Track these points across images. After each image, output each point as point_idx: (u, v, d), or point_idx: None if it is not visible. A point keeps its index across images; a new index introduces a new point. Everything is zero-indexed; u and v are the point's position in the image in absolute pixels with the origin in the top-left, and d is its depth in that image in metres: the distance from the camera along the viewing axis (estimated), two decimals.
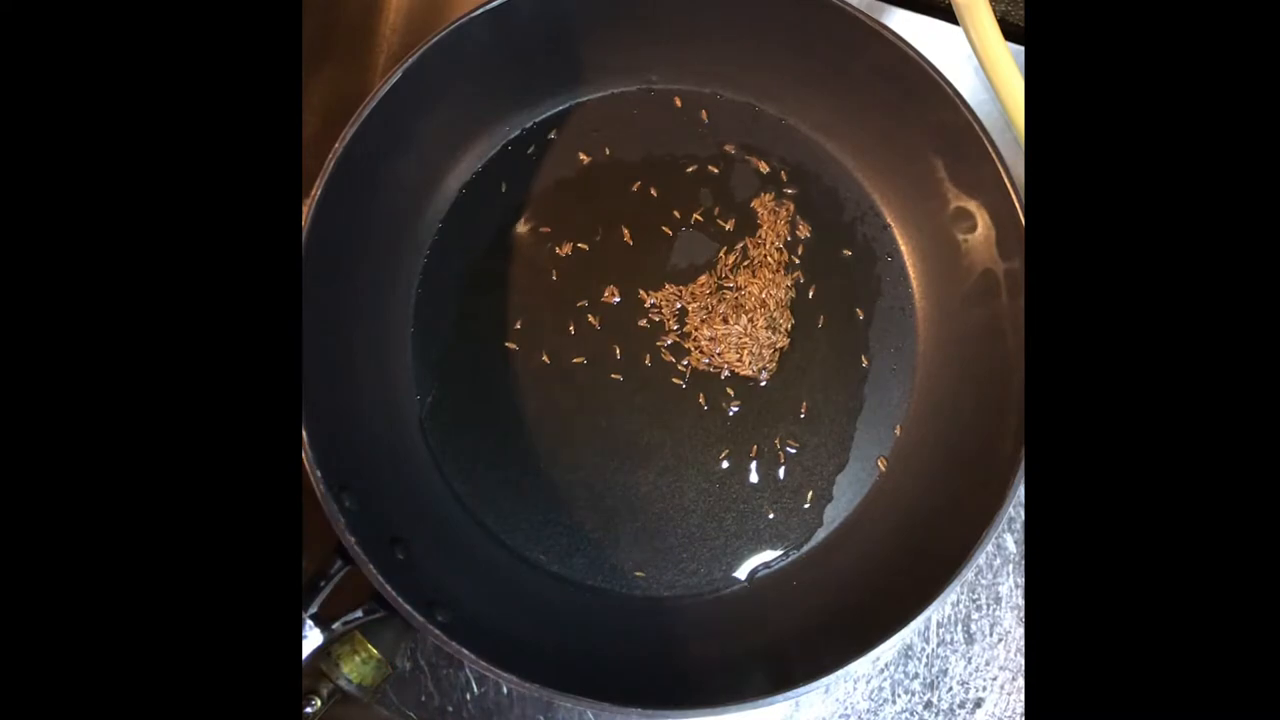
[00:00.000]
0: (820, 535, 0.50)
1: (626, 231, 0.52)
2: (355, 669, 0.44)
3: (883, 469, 0.50)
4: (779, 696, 0.41)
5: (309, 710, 0.43)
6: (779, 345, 0.51)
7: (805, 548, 0.50)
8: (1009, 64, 0.44)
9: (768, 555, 0.50)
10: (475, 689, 0.50)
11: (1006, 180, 0.44)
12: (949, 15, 0.48)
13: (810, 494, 0.50)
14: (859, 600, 0.47)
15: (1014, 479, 0.42)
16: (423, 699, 0.50)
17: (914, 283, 0.52)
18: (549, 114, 0.53)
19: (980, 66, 0.45)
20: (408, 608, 0.40)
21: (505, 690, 0.50)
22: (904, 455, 0.50)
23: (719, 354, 0.51)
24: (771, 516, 0.50)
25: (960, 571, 0.41)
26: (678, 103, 0.53)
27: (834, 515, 0.50)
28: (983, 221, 0.48)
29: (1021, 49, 0.49)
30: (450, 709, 0.50)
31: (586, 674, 0.42)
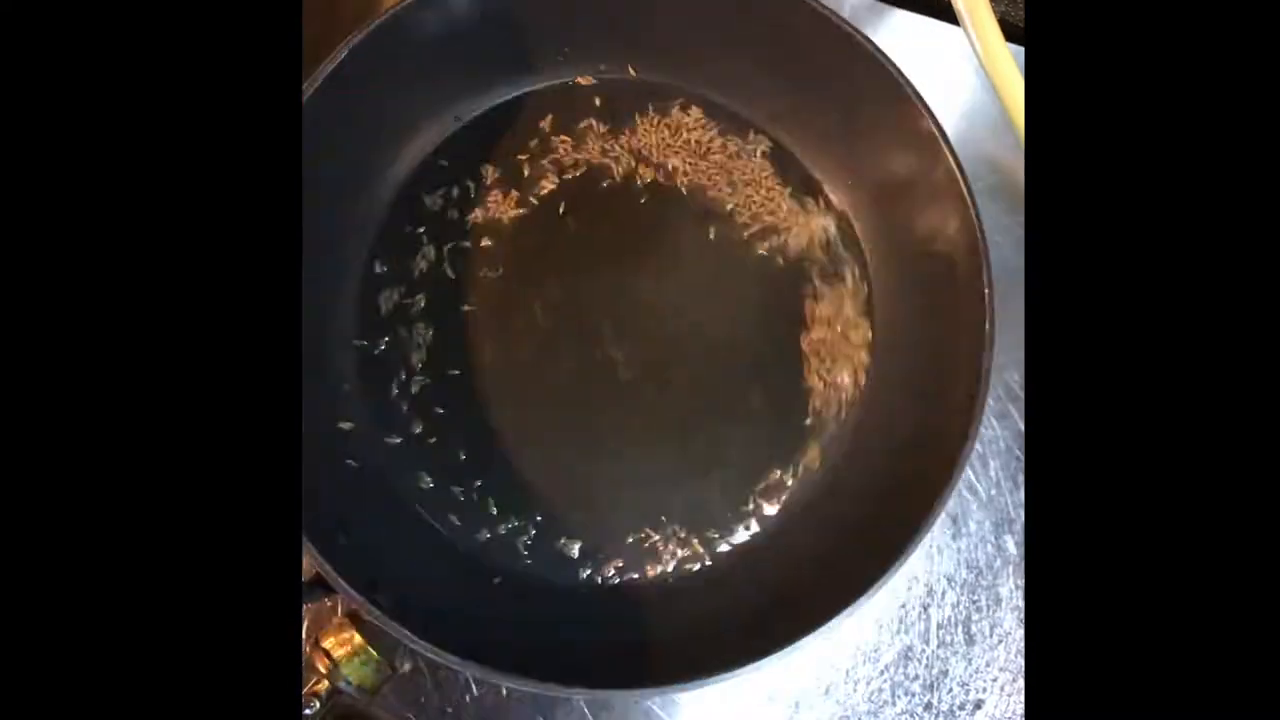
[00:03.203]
0: (785, 507, 0.50)
1: (575, 222, 0.52)
2: (355, 670, 0.44)
3: (843, 445, 0.50)
4: (769, 658, 0.41)
5: (309, 711, 0.43)
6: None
7: (771, 521, 0.50)
8: (1009, 64, 0.44)
9: (733, 532, 0.50)
10: (475, 690, 0.50)
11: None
12: (949, 15, 0.48)
13: (773, 470, 0.50)
14: (835, 562, 0.47)
15: (964, 451, 0.42)
16: (422, 700, 0.50)
17: (864, 246, 0.52)
18: (499, 101, 0.53)
19: (980, 66, 0.45)
20: (347, 587, 0.40)
21: (504, 692, 0.50)
22: (866, 428, 0.51)
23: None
24: (733, 494, 0.50)
25: (927, 522, 0.42)
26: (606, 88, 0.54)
27: (796, 488, 0.50)
28: (920, 173, 0.47)
29: (1021, 49, 0.49)
30: (449, 710, 0.50)
31: (557, 661, 0.42)
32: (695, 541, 0.50)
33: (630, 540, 0.50)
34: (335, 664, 0.44)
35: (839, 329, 0.52)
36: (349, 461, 0.49)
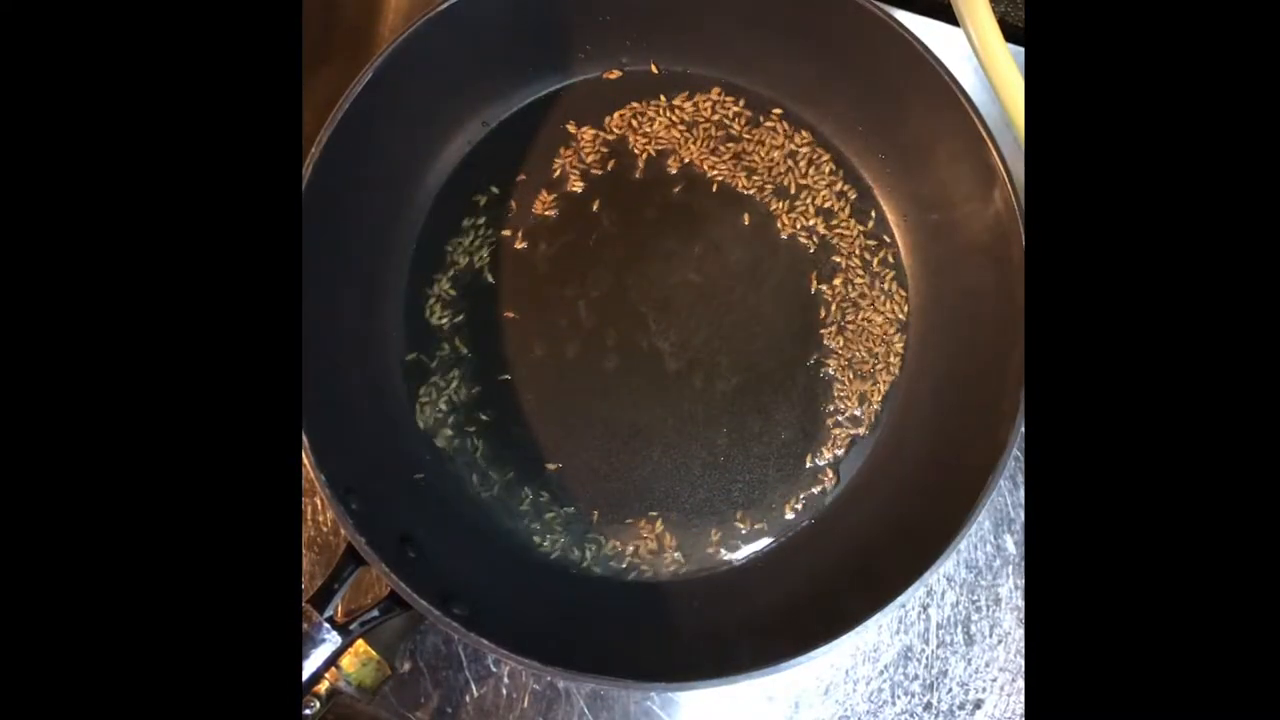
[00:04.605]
0: (829, 500, 0.50)
1: (609, 218, 0.53)
2: (354, 670, 0.44)
3: (881, 435, 0.51)
4: (810, 654, 0.41)
5: (309, 711, 0.43)
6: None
7: (815, 515, 0.50)
8: (1009, 64, 0.44)
9: (778, 524, 0.50)
10: (475, 690, 0.50)
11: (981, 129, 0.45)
12: (949, 15, 0.48)
13: (812, 462, 0.51)
14: (873, 557, 0.47)
15: (1011, 438, 0.42)
16: (422, 700, 0.50)
17: (894, 223, 0.53)
18: (525, 104, 0.53)
19: (980, 66, 0.45)
20: (424, 603, 0.40)
21: (504, 691, 0.50)
22: (903, 417, 0.51)
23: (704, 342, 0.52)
24: (779, 486, 0.51)
25: (966, 524, 0.42)
26: (655, 78, 0.54)
27: (841, 481, 0.51)
28: (969, 176, 0.48)
29: (1021, 49, 0.49)
30: (449, 710, 0.50)
31: (602, 656, 0.43)
32: (757, 526, 0.50)
33: (694, 531, 0.50)
34: (336, 663, 0.44)
35: (874, 308, 0.52)
36: (416, 476, 0.49)
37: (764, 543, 0.50)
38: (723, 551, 0.50)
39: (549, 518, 0.50)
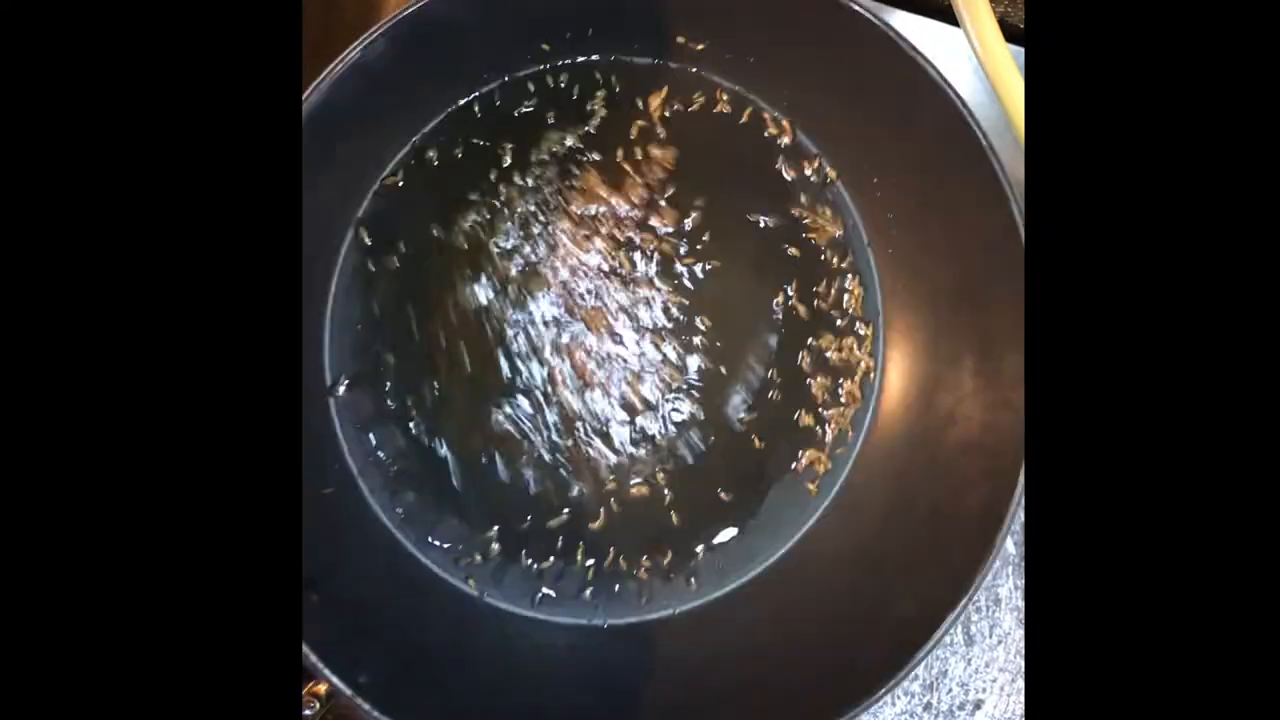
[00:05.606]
0: (815, 518, 0.50)
1: (592, 219, 0.52)
2: None
3: (869, 445, 0.51)
4: None
5: (308, 712, 0.43)
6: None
7: (802, 537, 0.50)
8: (1009, 64, 0.44)
9: (754, 553, 0.50)
10: None
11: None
12: (949, 15, 0.48)
13: (796, 478, 0.50)
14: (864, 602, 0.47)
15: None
16: None
17: (895, 253, 0.52)
18: (488, 110, 0.52)
19: (980, 67, 0.45)
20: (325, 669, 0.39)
21: None
22: (896, 423, 0.51)
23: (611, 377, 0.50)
24: (758, 506, 0.50)
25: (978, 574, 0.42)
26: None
27: (829, 497, 0.50)
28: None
29: (1021, 49, 0.49)
30: None
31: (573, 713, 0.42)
32: (730, 556, 0.50)
33: (660, 563, 0.50)
34: None
35: (864, 316, 0.52)
36: (325, 491, 0.47)
37: (719, 589, 0.49)
38: (693, 582, 0.49)
39: (472, 558, 0.48)
